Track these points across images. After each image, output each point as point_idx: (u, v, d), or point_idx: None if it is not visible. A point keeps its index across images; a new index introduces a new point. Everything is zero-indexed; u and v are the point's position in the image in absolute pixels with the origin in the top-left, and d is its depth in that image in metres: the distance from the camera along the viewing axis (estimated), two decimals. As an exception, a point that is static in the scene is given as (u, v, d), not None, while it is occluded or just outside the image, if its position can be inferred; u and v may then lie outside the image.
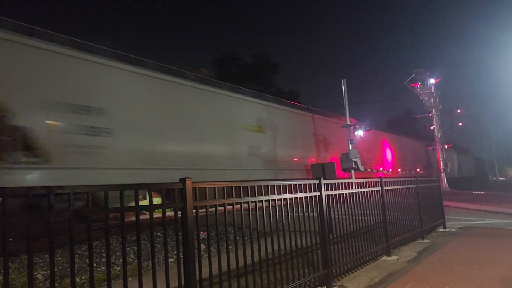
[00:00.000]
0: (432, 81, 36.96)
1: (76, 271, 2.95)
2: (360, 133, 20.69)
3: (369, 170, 25.17)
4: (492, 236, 9.00)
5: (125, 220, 3.19)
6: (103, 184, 3.18)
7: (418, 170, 37.74)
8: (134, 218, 3.31)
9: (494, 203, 16.69)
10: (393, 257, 7.13)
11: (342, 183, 6.33)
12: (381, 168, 28.35)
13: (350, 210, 6.41)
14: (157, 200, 3.84)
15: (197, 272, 3.57)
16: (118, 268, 6.95)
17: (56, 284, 3.05)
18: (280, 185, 4.90)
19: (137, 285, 3.11)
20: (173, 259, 6.33)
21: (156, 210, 3.47)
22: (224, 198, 4.09)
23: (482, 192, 27.43)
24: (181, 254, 3.51)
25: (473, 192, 27.80)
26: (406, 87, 38.06)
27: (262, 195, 4.59)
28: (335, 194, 6.04)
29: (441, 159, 36.56)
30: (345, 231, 6.18)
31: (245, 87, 19.18)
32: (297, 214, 5.15)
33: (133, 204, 3.22)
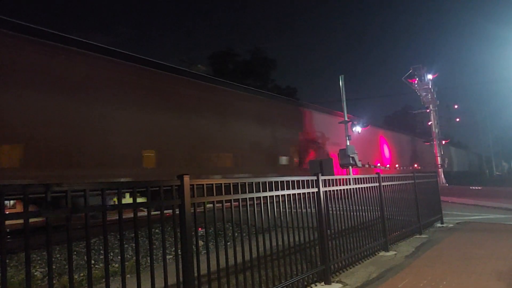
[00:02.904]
0: (429, 76, 36.97)
1: (74, 268, 2.94)
2: (358, 129, 20.70)
3: (367, 165, 25.22)
4: (489, 231, 9.04)
5: (123, 217, 3.18)
6: (101, 181, 3.17)
7: (415, 165, 37.86)
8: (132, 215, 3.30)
9: (491, 198, 16.76)
10: (391, 253, 7.16)
11: (340, 179, 6.34)
12: (378, 164, 28.39)
13: (348, 206, 6.42)
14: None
15: (195, 269, 3.57)
16: (116, 265, 6.96)
17: (54, 281, 3.04)
18: (278, 182, 4.90)
19: (135, 281, 3.11)
20: (171, 256, 6.33)
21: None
22: (222, 194, 4.09)
23: (479, 187, 27.53)
24: (179, 251, 3.51)
25: (470, 187, 27.90)
26: (404, 83, 38.09)
27: (260, 191, 4.59)
28: (333, 190, 6.04)
29: (438, 155, 36.66)
30: (343, 227, 6.19)
31: (242, 84, 19.13)
32: (295, 210, 5.15)
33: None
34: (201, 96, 14.32)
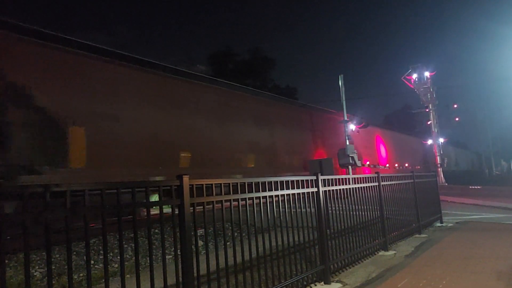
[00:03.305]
0: (427, 74, 37.01)
1: (73, 269, 2.94)
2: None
3: (366, 165, 25.23)
4: (488, 231, 9.05)
5: (122, 217, 3.18)
6: (100, 181, 3.16)
7: (416, 166, 37.88)
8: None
9: (490, 198, 16.77)
10: (390, 252, 7.16)
11: (339, 179, 6.33)
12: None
13: (347, 206, 6.42)
14: (154, 197, 3.83)
15: (195, 269, 3.57)
16: (116, 265, 6.95)
17: (53, 282, 3.04)
18: (277, 181, 4.90)
19: (134, 282, 3.11)
20: (171, 256, 6.33)
21: (154, 207, 3.46)
22: (221, 194, 4.08)
23: (478, 187, 27.55)
24: (178, 251, 3.51)
25: (470, 187, 27.92)
26: (403, 83, 38.14)
27: (259, 191, 4.59)
28: (333, 190, 6.04)
29: (438, 154, 36.71)
30: (343, 227, 6.19)
31: (242, 84, 19.23)
32: (294, 210, 5.15)
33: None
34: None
